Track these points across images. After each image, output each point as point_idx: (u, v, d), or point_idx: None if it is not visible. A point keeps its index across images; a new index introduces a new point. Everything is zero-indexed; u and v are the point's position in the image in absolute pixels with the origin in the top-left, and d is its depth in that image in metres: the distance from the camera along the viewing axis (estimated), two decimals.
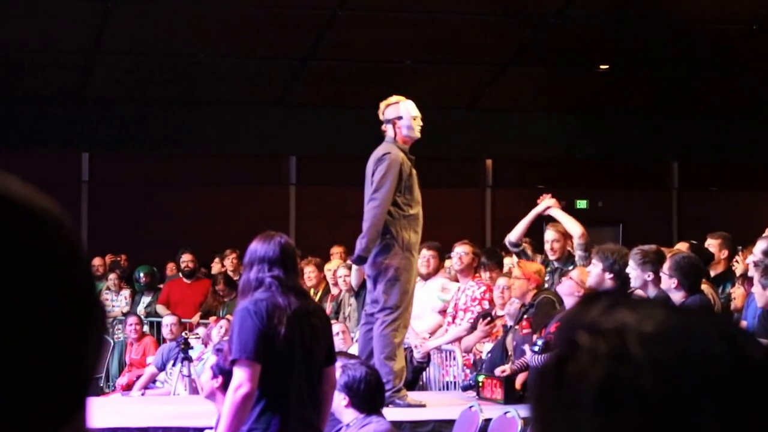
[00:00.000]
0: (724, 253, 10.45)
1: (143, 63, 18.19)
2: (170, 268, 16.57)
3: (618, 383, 1.22)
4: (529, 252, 10.65)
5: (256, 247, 5.74)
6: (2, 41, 16.94)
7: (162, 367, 11.57)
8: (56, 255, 1.08)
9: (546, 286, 9.95)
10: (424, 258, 11.03)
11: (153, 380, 11.56)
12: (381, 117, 9.32)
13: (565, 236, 10.40)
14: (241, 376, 5.51)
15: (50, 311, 1.06)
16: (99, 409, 8.99)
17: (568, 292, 9.00)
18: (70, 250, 1.09)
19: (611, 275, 8.55)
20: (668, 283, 7.98)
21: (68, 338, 1.07)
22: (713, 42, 18.28)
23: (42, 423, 1.07)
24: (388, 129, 9.25)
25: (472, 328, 10.53)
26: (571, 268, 9.74)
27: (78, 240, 1.10)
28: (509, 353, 9.60)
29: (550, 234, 10.46)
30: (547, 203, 10.54)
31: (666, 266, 8.04)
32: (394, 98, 9.40)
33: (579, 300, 1.35)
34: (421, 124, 9.31)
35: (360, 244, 9.02)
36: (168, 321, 12.09)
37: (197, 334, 11.49)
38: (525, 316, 9.54)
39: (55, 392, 1.07)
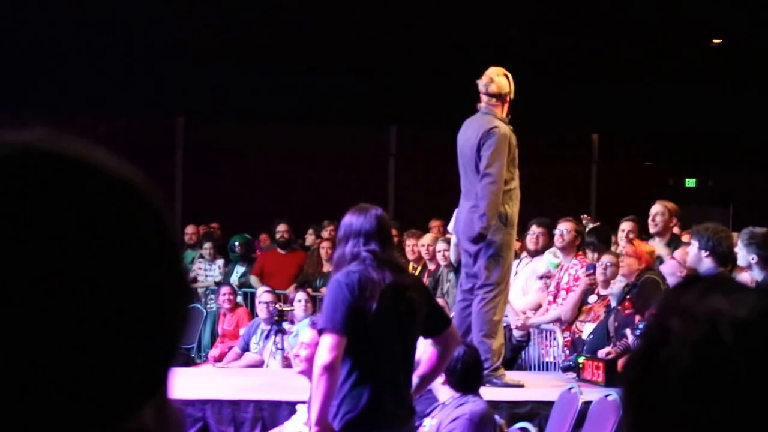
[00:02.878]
0: None
1: (243, 26, 17.82)
2: (263, 239, 16.27)
3: (708, 369, 1.22)
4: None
5: (351, 220, 5.71)
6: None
7: (246, 347, 11.44)
8: (139, 225, 1.06)
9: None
10: (533, 234, 11.11)
11: (237, 359, 11.44)
12: (489, 89, 8.98)
13: (671, 213, 10.25)
14: (324, 346, 5.47)
15: (135, 281, 1.03)
16: (190, 380, 8.98)
17: (671, 271, 8.96)
18: (154, 219, 1.07)
19: (707, 253, 8.30)
20: None
21: (153, 310, 1.05)
22: None
23: (128, 395, 1.04)
24: (492, 102, 8.96)
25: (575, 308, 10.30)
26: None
27: (163, 209, 1.08)
28: (611, 334, 9.37)
29: (656, 208, 10.30)
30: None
31: None
32: (503, 70, 9.09)
33: (675, 284, 1.36)
34: None
35: (481, 221, 8.87)
36: (261, 292, 11.87)
37: (292, 307, 11.33)
38: (628, 296, 9.29)
39: (141, 365, 1.05)
